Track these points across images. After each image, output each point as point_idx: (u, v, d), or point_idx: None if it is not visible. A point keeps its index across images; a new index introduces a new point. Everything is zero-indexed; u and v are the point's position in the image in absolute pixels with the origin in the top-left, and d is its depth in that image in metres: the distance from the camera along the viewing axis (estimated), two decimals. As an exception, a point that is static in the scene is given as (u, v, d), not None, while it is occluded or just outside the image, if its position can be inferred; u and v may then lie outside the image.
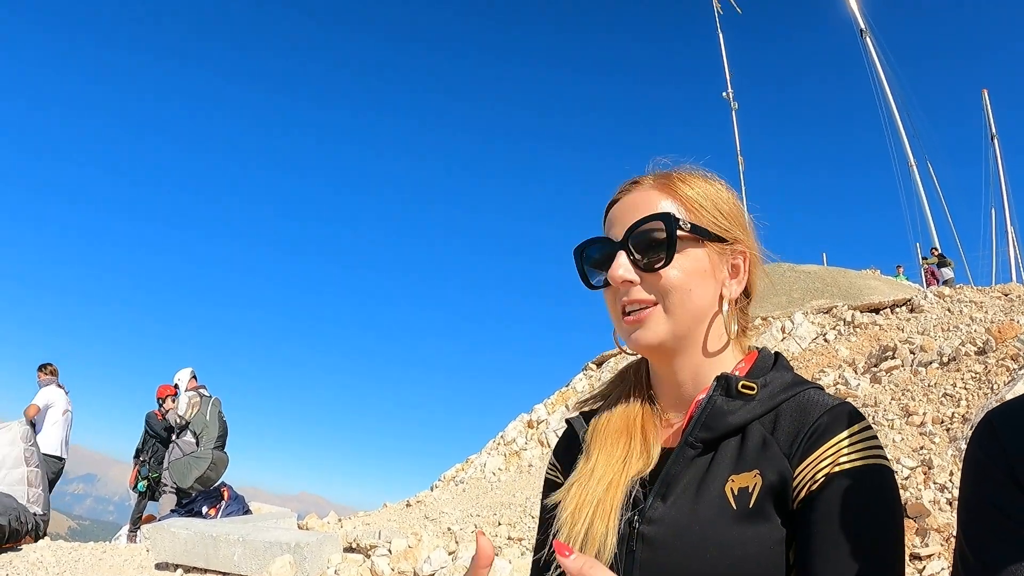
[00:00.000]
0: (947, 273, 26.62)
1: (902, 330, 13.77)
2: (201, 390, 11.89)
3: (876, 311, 15.58)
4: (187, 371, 12.14)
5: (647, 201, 1.45)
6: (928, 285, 24.28)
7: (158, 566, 6.76)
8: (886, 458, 1.29)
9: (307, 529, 7.63)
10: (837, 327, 14.71)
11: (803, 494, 1.27)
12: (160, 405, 11.90)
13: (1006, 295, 14.99)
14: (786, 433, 1.33)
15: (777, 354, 1.51)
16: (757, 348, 1.53)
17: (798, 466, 1.28)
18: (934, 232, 36.97)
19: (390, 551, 6.29)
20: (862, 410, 8.80)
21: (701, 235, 1.42)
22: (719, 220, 1.45)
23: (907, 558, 4.88)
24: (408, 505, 9.92)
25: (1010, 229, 42.57)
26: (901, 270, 29.40)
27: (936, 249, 30.35)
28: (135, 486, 12.15)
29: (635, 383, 1.56)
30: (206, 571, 6.46)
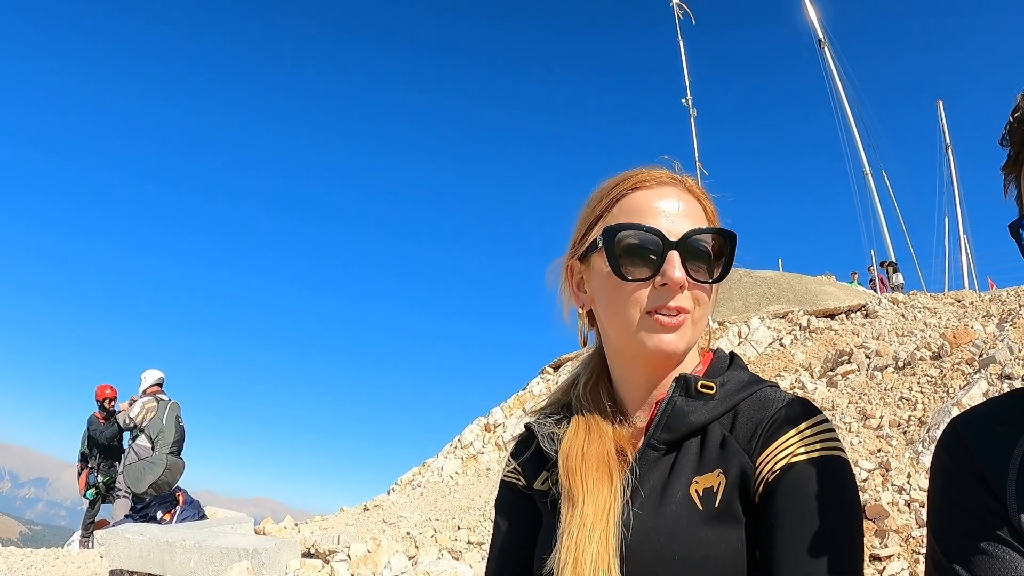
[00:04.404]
0: (898, 278, 27.08)
1: (857, 335, 14.01)
2: (160, 395, 11.68)
3: (831, 316, 15.78)
4: (156, 373, 11.89)
5: (694, 204, 1.44)
6: (881, 292, 24.74)
7: (112, 573, 6.65)
8: (843, 450, 1.31)
9: (264, 534, 7.56)
10: (793, 332, 14.91)
11: (762, 486, 1.28)
12: (100, 407, 11.68)
13: (959, 301, 15.29)
14: (745, 429, 1.35)
15: (732, 354, 1.53)
16: (712, 349, 1.54)
17: (757, 459, 1.30)
18: (888, 239, 37.74)
19: (349, 556, 6.26)
20: (819, 414, 9.02)
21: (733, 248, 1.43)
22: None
23: (867, 559, 4.97)
24: (366, 509, 9.87)
25: (963, 237, 43.54)
26: (856, 276, 29.91)
27: (888, 262, 30.88)
28: (85, 494, 11.92)
29: (594, 390, 1.52)
30: (162, 577, 6.35)
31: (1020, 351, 8.16)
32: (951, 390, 8.51)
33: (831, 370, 11.24)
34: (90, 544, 10.80)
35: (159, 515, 9.71)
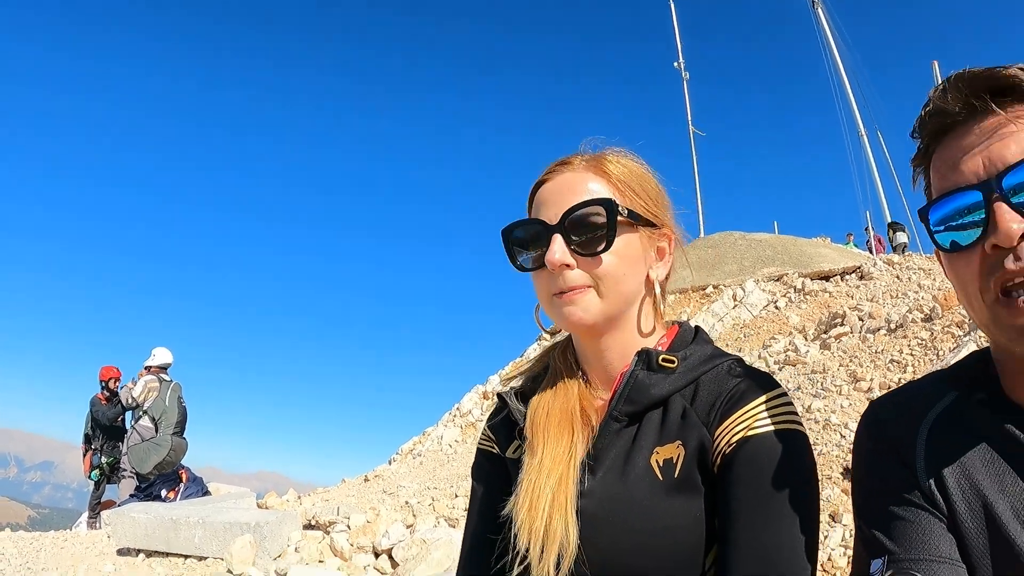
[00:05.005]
0: (900, 237, 26.72)
1: (852, 297, 14.08)
2: (161, 375, 11.77)
3: (826, 279, 15.84)
4: (166, 355, 11.96)
5: (581, 183, 1.46)
6: (876, 253, 24.57)
7: (120, 552, 6.75)
8: (800, 424, 1.35)
9: (266, 508, 7.67)
10: (788, 295, 14.96)
11: (720, 458, 1.32)
12: (104, 388, 11.74)
13: (954, 263, 15.40)
14: (704, 402, 1.39)
15: (697, 328, 1.57)
16: (678, 323, 1.58)
17: (715, 431, 1.34)
18: (884, 200, 37.54)
19: (349, 527, 6.36)
20: (811, 376, 9.05)
21: (635, 220, 1.45)
22: (649, 204, 1.49)
23: (848, 519, 5.05)
24: (366, 480, 9.96)
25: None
26: (851, 238, 29.68)
27: (894, 222, 30.51)
28: (90, 475, 12.03)
29: (563, 360, 1.58)
30: (168, 554, 6.47)
31: None
32: (941, 353, 8.57)
33: (824, 332, 11.32)
34: (97, 524, 10.92)
35: (163, 493, 9.83)
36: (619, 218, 1.42)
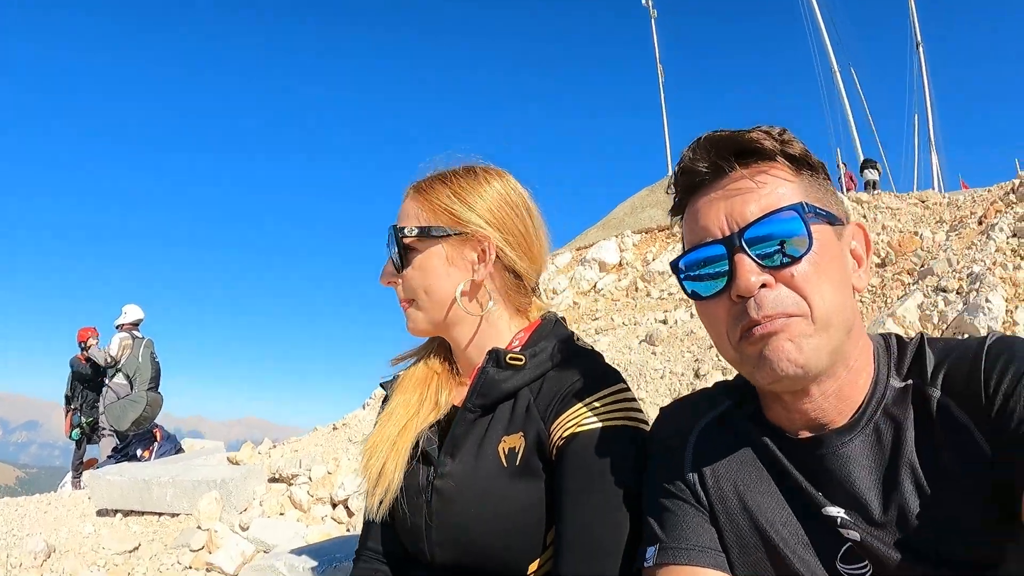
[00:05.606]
0: (870, 175, 26.37)
1: (815, 238, 14.22)
2: (134, 331, 11.83)
3: (793, 218, 15.97)
4: (137, 312, 12.01)
5: (403, 209, 1.69)
6: (847, 190, 24.31)
7: (99, 513, 6.96)
8: (631, 419, 1.48)
9: (236, 463, 7.92)
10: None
11: (554, 451, 1.48)
12: (83, 349, 11.81)
13: (923, 202, 15.33)
14: (546, 397, 1.53)
15: (557, 322, 1.72)
16: (544, 316, 1.73)
17: (550, 426, 1.50)
18: (856, 138, 37.43)
19: (310, 478, 6.65)
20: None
21: (427, 236, 1.62)
22: (456, 216, 1.62)
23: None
24: (335, 428, 10.08)
25: (932, 136, 43.15)
26: None
27: (867, 159, 30.12)
28: (71, 435, 12.16)
29: (440, 346, 1.80)
30: (143, 513, 6.76)
31: (959, 263, 8.30)
32: (889, 300, 8.74)
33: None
34: (81, 484, 11.11)
35: (139, 452, 10.07)
36: (408, 239, 1.63)
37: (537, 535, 1.50)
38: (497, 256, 1.63)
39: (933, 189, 21.92)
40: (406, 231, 1.63)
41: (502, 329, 1.67)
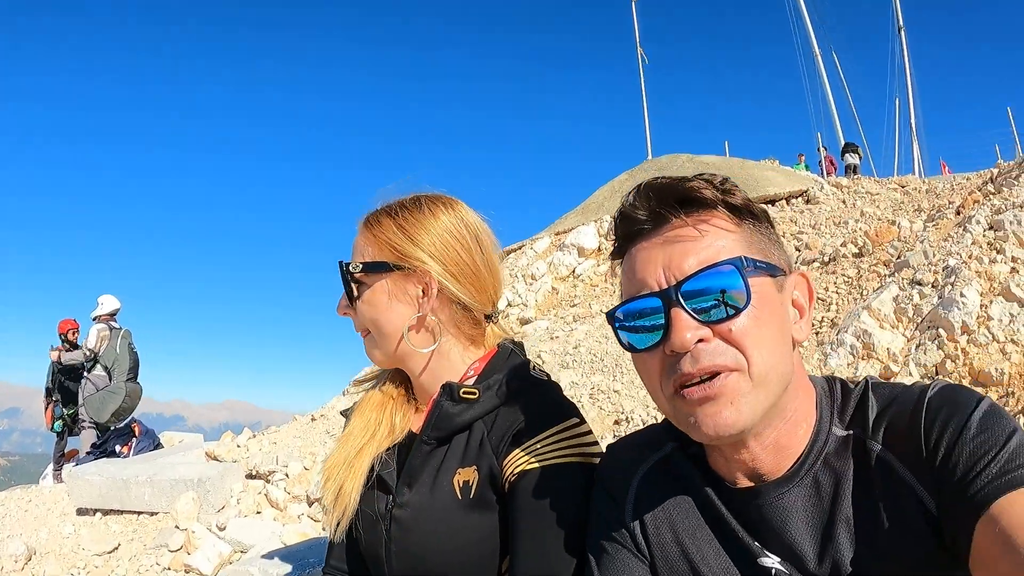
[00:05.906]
0: (850, 159, 26.08)
1: (795, 223, 14.16)
2: (111, 322, 11.76)
3: (771, 203, 15.91)
4: (113, 302, 11.91)
5: (354, 243, 1.70)
6: (827, 175, 24.48)
7: (79, 512, 6.95)
8: (581, 455, 1.50)
9: (214, 458, 7.90)
10: (732, 219, 15.15)
11: (507, 485, 1.50)
12: (63, 340, 11.71)
13: (903, 187, 15.39)
14: (498, 432, 1.55)
15: (512, 352, 1.72)
16: (500, 345, 1.74)
17: (502, 462, 1.52)
18: (837, 122, 37.45)
19: (287, 475, 6.66)
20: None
21: (371, 271, 1.64)
22: (399, 251, 1.62)
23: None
24: (313, 419, 10.02)
25: (913, 121, 43.20)
26: (803, 159, 28.67)
27: (848, 143, 29.94)
28: (53, 427, 12.09)
29: (397, 372, 1.80)
30: (122, 512, 6.76)
31: (935, 256, 8.37)
32: (865, 292, 8.77)
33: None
34: (62, 477, 11.08)
35: (118, 448, 10.03)
36: (354, 274, 1.64)
37: (491, 565, 1.53)
38: (440, 290, 1.63)
39: (913, 174, 21.98)
40: (351, 267, 1.65)
41: (455, 360, 1.68)
